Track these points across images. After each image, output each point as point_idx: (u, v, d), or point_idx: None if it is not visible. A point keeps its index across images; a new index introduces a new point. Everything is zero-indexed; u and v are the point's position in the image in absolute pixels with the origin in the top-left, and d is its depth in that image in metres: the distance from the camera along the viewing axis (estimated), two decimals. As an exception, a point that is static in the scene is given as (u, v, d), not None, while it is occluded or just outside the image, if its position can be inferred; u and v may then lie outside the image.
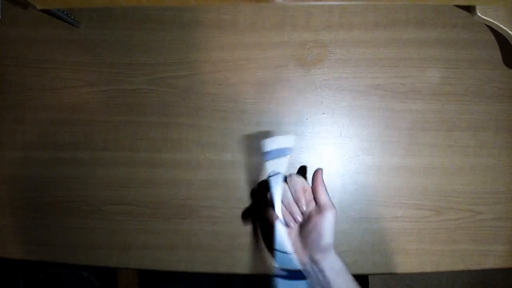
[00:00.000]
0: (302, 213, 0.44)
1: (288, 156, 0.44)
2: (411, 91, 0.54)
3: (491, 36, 0.54)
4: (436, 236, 0.53)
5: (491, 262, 0.53)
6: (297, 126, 0.54)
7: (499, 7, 0.48)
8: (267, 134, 0.54)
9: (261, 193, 0.52)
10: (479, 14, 0.48)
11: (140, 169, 0.54)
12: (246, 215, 0.54)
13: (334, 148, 0.54)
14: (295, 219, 0.43)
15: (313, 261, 0.42)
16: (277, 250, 0.43)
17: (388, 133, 0.54)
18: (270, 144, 0.44)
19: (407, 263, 0.53)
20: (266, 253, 0.52)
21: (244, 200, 0.54)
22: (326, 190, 0.44)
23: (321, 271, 0.41)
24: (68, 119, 0.55)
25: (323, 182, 0.44)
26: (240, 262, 0.53)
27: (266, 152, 0.44)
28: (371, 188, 0.54)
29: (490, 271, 0.87)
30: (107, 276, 0.86)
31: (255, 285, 0.63)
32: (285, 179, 0.44)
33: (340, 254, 0.43)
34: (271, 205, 0.43)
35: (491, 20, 0.49)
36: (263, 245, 0.52)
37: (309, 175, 0.54)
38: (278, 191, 0.43)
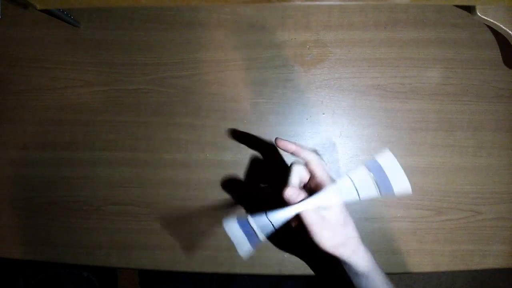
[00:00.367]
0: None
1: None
2: (411, 91, 0.54)
3: (491, 36, 0.54)
4: (436, 236, 0.53)
5: (491, 262, 0.53)
6: (297, 126, 0.54)
7: (499, 7, 0.48)
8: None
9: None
10: (479, 14, 0.49)
11: (140, 169, 0.54)
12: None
13: (334, 148, 0.54)
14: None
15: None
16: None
17: (388, 133, 0.54)
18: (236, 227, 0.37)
19: (407, 263, 0.53)
20: (266, 253, 0.52)
21: (244, 200, 0.54)
22: (323, 167, 0.39)
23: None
24: (68, 119, 0.55)
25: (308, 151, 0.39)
26: (240, 262, 0.53)
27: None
28: (371, 188, 0.53)
29: (490, 271, 0.87)
30: (107, 276, 0.86)
31: (255, 285, 0.63)
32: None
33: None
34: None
35: (491, 20, 0.49)
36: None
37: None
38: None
